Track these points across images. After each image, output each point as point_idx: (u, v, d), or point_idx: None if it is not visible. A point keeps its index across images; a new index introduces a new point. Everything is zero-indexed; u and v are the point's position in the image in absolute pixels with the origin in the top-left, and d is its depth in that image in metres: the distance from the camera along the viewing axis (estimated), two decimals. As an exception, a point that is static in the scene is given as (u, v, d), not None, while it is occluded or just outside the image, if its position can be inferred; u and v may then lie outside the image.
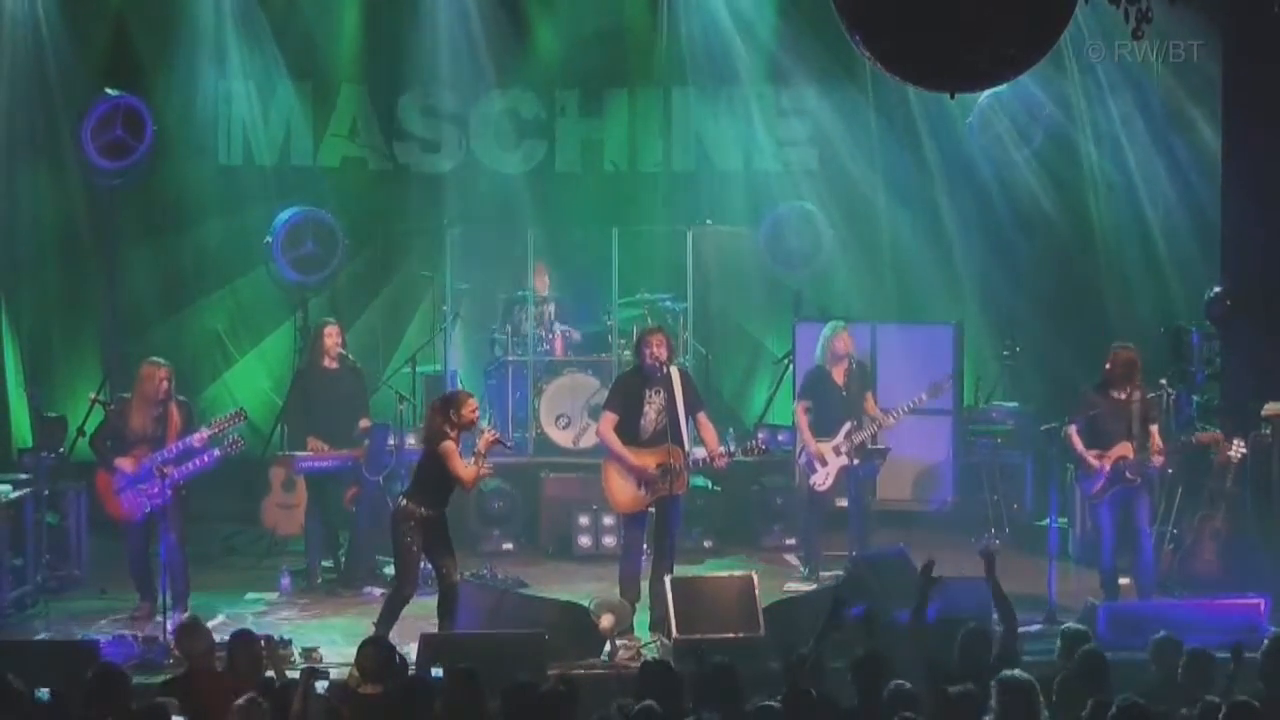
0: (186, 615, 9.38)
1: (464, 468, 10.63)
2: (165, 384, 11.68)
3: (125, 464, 11.61)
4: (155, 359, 11.94)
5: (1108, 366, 11.96)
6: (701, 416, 11.78)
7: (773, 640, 10.50)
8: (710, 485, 14.21)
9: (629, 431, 11.64)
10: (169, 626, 10.96)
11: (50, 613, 11.93)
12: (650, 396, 11.62)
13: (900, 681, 7.92)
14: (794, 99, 15.98)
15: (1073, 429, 11.99)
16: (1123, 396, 11.89)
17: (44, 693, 7.87)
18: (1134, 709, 7.50)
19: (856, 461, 12.85)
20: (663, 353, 11.58)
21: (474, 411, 10.79)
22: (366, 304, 15.97)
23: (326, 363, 13.14)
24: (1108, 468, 11.83)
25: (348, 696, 8.65)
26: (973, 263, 15.92)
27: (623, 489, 11.66)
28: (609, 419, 11.72)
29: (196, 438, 11.62)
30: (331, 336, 13.13)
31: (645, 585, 11.59)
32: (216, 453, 11.67)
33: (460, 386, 15.28)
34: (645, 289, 15.52)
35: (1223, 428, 12.77)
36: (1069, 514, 13.66)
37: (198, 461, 11.61)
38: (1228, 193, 13.63)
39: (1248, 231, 13.39)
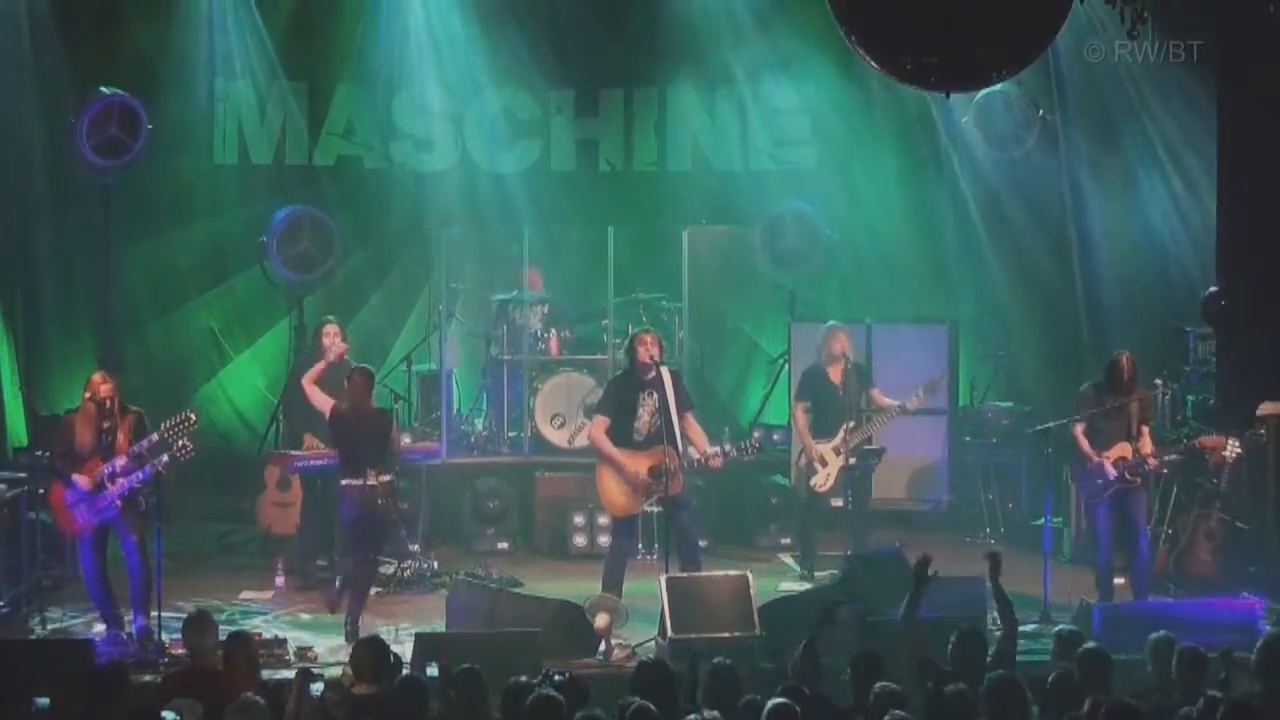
0: (196, 610, 9.30)
1: None
2: (97, 400, 11.05)
3: (81, 479, 11.08)
4: (102, 371, 11.53)
5: (1107, 373, 11.92)
6: (689, 417, 11.79)
7: (768, 640, 10.51)
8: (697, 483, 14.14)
9: (624, 434, 11.67)
10: (137, 627, 11.03)
11: (45, 612, 11.91)
12: (644, 399, 11.63)
13: (887, 683, 7.90)
14: (791, 98, 15.93)
15: (1079, 429, 11.95)
16: (1122, 399, 11.88)
17: (43, 701, 7.83)
18: (1126, 709, 7.49)
19: (853, 461, 12.86)
20: (656, 353, 11.59)
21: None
22: (362, 303, 15.96)
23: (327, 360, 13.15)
24: (1113, 469, 11.81)
25: (342, 696, 8.64)
26: (968, 263, 15.89)
27: (617, 491, 11.69)
28: (601, 422, 11.75)
29: (145, 443, 11.07)
30: (331, 336, 13.12)
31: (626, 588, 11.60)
32: (165, 458, 11.01)
33: (455, 385, 15.33)
34: (641, 289, 15.52)
35: (1217, 427, 12.77)
36: (1064, 514, 13.68)
37: (145, 471, 11.01)
38: (1223, 192, 13.62)
39: (1243, 231, 13.40)
